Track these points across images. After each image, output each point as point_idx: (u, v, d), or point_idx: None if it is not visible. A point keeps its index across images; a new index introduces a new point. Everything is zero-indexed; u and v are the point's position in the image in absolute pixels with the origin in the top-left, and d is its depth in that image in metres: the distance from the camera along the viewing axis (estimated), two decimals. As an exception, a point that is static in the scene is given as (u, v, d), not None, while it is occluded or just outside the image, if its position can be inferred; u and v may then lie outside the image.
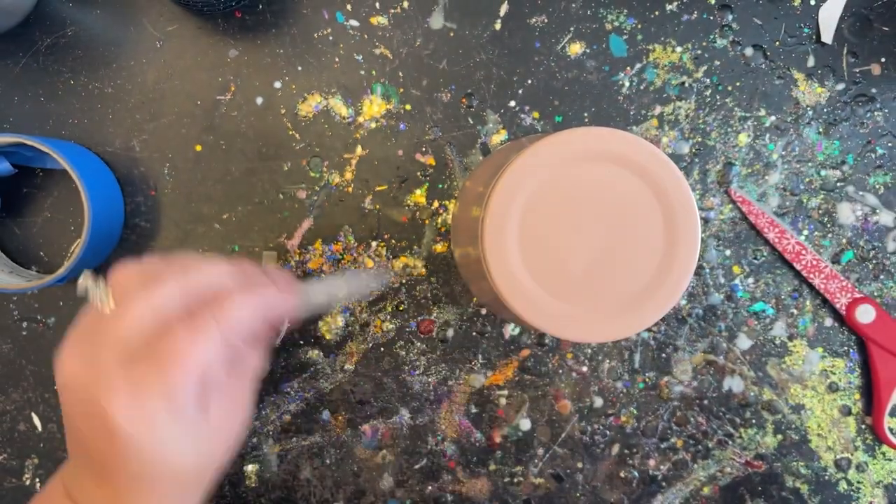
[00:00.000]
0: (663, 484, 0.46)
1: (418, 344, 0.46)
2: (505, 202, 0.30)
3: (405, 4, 0.45)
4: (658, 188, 0.29)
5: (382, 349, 0.46)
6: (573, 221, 0.29)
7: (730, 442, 0.46)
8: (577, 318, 0.30)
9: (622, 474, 0.47)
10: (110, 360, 0.29)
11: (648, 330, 0.46)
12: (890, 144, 0.45)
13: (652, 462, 0.46)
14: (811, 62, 0.45)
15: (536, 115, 0.45)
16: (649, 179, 0.29)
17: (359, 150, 0.45)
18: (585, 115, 0.45)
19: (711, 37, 0.45)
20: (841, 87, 0.45)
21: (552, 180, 0.29)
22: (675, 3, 0.44)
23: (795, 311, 0.45)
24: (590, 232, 0.29)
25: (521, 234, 0.30)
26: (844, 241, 0.45)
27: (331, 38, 0.45)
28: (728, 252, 0.45)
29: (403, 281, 0.46)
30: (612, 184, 0.29)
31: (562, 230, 0.30)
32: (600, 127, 0.29)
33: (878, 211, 0.45)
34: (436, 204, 0.45)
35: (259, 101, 0.45)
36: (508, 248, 0.30)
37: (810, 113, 0.45)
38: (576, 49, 0.45)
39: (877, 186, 0.45)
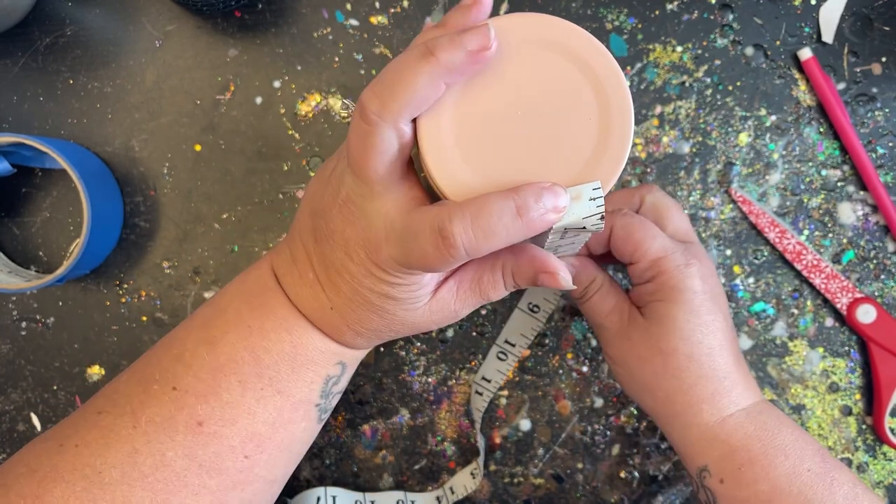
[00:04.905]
0: (664, 484, 0.46)
1: (418, 344, 0.46)
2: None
3: (405, 4, 0.45)
4: (592, 74, 0.29)
5: (382, 349, 0.46)
6: (510, 107, 0.29)
7: (730, 442, 0.46)
8: None
9: (622, 474, 0.46)
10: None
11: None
12: (891, 144, 0.45)
13: (652, 462, 0.46)
14: (812, 62, 0.44)
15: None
16: (583, 65, 0.29)
17: (358, 149, 0.45)
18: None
19: (712, 36, 0.44)
20: (842, 86, 0.44)
21: (489, 68, 0.29)
22: (676, 3, 0.44)
23: (796, 311, 0.45)
24: (527, 118, 0.29)
25: (458, 121, 0.29)
26: (845, 240, 0.45)
27: (330, 37, 0.45)
28: (728, 252, 0.45)
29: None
30: (546, 70, 0.29)
31: (499, 117, 0.29)
32: (538, 14, 0.29)
33: (878, 211, 0.45)
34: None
35: (258, 100, 0.45)
36: (444, 134, 0.29)
37: (811, 113, 0.45)
38: (576, 48, 0.44)
39: (877, 186, 0.45)
